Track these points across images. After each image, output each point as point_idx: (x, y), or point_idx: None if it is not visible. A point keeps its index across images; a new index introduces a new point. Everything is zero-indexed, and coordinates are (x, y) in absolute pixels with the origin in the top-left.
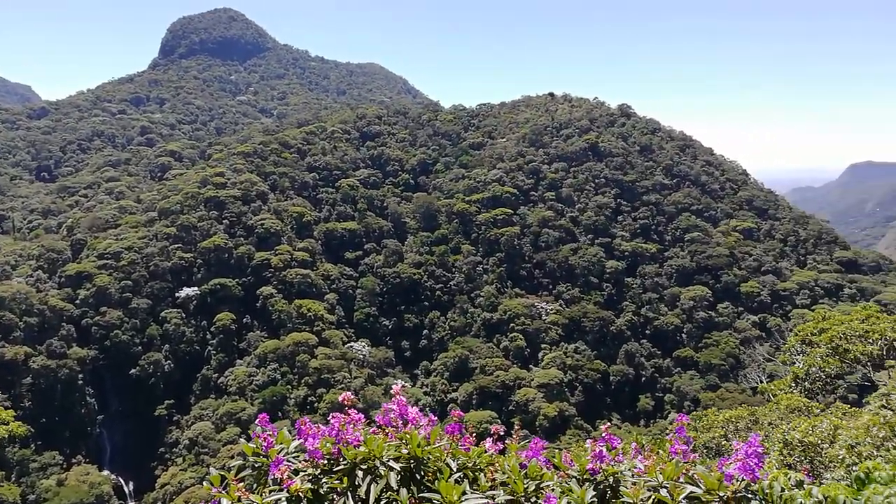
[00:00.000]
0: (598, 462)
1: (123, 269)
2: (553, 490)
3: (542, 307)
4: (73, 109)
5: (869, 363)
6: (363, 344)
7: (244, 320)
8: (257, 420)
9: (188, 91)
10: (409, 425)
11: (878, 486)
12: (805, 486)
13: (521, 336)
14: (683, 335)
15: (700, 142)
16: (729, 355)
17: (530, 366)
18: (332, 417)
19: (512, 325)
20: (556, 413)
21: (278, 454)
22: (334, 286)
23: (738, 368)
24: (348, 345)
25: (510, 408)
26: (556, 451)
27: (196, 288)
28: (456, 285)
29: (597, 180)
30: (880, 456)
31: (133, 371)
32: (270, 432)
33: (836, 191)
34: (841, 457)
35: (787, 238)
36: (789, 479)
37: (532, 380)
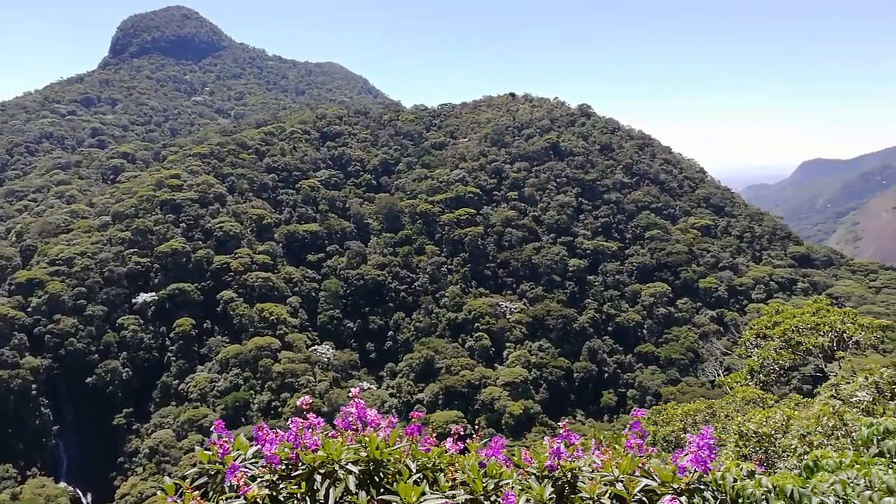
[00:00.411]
0: (556, 459)
1: (77, 275)
2: (512, 488)
3: (506, 306)
4: (20, 111)
5: (820, 355)
6: (327, 347)
7: (204, 325)
8: (213, 427)
9: (141, 91)
10: (369, 428)
11: (826, 474)
12: (756, 476)
13: (485, 335)
14: (644, 331)
15: (658, 140)
16: (688, 350)
17: (495, 364)
18: (291, 422)
19: (477, 324)
20: (521, 411)
21: (234, 461)
22: (297, 289)
23: (697, 362)
24: (312, 348)
25: (476, 407)
26: (517, 448)
27: (153, 293)
28: (420, 286)
29: (558, 179)
30: (830, 444)
31: (89, 380)
32: (226, 439)
33: (789, 188)
34: (793, 446)
35: (743, 234)
36: (741, 469)
37: (497, 378)
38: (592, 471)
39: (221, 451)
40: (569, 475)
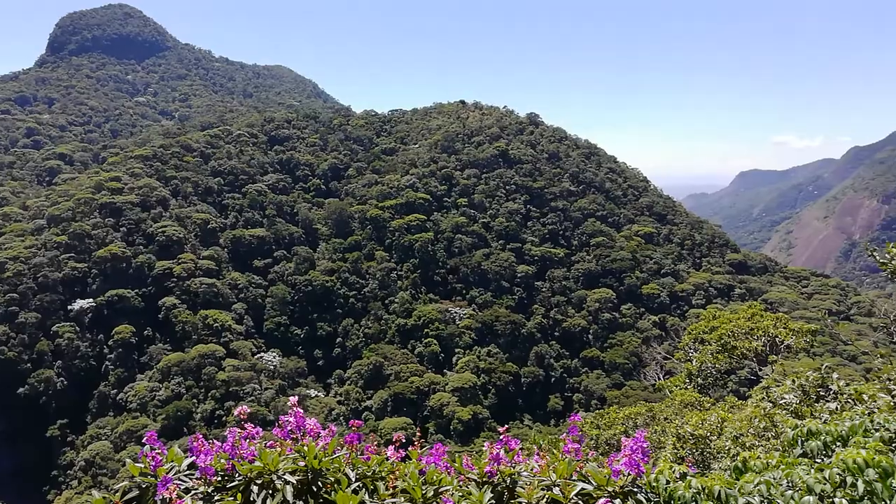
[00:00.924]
0: (495, 464)
1: (8, 280)
2: (452, 494)
3: (455, 312)
4: None
5: (754, 358)
6: (274, 354)
7: (145, 333)
8: (146, 438)
9: (80, 90)
10: (308, 437)
11: (753, 475)
12: (687, 477)
13: (435, 341)
14: (590, 336)
15: (604, 150)
16: (632, 354)
17: (445, 370)
18: (228, 432)
19: (426, 330)
20: (469, 416)
21: (167, 473)
22: (242, 295)
23: (640, 367)
24: (258, 355)
25: (425, 413)
26: (457, 455)
27: (91, 300)
28: (370, 292)
29: (507, 187)
30: (761, 445)
31: (21, 390)
32: (159, 450)
33: (727, 197)
34: (727, 447)
35: (684, 242)
36: (674, 471)
37: (446, 384)
38: (532, 476)
39: (154, 463)
40: (508, 481)
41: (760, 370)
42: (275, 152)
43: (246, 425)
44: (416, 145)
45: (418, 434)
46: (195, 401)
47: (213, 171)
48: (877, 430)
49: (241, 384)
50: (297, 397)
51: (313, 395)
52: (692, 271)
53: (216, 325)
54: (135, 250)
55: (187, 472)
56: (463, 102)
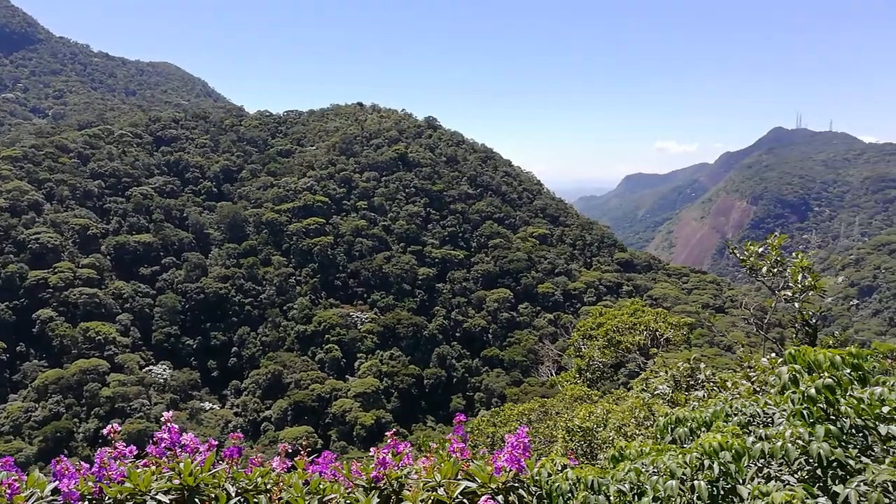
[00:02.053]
0: (381, 469)
1: None
2: (338, 502)
3: (357, 316)
4: None
5: (638, 352)
6: (164, 367)
7: (17, 349)
8: (0, 464)
9: None
10: (183, 453)
11: (628, 463)
12: (565, 469)
13: (336, 347)
14: (490, 335)
15: (500, 154)
16: (529, 352)
17: (347, 376)
18: (97, 453)
19: (327, 336)
20: (373, 421)
21: (26, 501)
22: (128, 305)
23: (537, 364)
24: (146, 369)
25: (327, 420)
26: (345, 461)
27: None
28: (267, 298)
29: (407, 190)
30: (641, 434)
31: None
32: (16, 477)
33: (614, 199)
34: (611, 438)
35: (576, 242)
36: (556, 464)
37: (349, 390)
38: (418, 478)
39: (10, 490)
40: (395, 484)
41: (645, 363)
42: (161, 153)
43: (117, 444)
44: (314, 147)
45: (304, 443)
46: (77, 420)
47: (92, 174)
48: (735, 415)
49: (128, 400)
50: (171, 412)
51: (208, 407)
52: (583, 270)
53: (99, 337)
54: (4, 259)
55: (50, 498)
56: (361, 104)
